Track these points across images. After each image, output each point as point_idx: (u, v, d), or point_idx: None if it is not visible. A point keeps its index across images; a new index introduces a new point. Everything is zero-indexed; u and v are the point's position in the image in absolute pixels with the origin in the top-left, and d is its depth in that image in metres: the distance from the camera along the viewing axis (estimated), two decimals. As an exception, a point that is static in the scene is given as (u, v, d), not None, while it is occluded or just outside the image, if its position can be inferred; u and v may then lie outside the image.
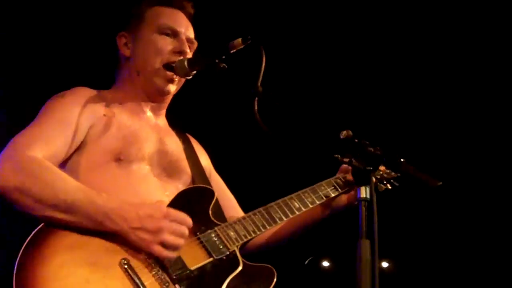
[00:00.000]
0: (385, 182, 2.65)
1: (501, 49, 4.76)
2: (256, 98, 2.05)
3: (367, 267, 1.67)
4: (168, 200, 2.14)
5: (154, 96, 2.40)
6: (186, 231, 1.97)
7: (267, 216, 2.28)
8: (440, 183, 1.71)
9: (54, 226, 1.89)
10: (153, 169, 2.23)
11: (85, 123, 2.16)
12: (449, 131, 5.43)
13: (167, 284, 1.91)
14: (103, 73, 2.49)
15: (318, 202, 2.45)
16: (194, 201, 2.17)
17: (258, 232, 2.24)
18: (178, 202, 2.12)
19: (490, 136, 5.39)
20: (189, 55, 2.39)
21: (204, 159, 2.55)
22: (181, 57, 2.33)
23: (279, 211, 2.32)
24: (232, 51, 2.14)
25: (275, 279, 2.14)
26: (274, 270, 2.16)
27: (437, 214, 5.98)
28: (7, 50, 3.99)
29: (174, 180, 2.30)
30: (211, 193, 2.23)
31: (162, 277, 1.92)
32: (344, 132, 1.93)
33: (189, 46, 2.41)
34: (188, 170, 2.38)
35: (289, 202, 2.38)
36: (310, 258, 7.45)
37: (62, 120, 2.12)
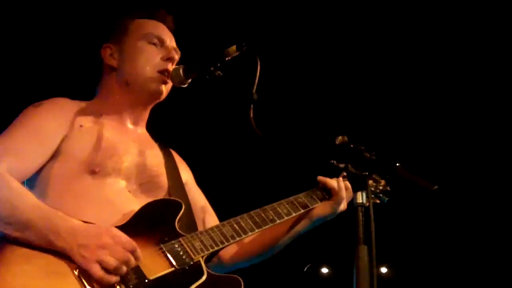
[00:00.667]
0: (373, 196, 2.57)
1: (497, 54, 4.77)
2: (252, 105, 2.05)
3: (365, 273, 1.66)
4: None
5: (144, 102, 2.37)
6: (131, 258, 1.87)
7: (236, 227, 2.21)
8: (436, 187, 1.71)
9: (8, 241, 1.87)
10: (128, 184, 2.20)
11: (57, 133, 2.13)
12: (444, 136, 5.44)
13: None
14: (84, 85, 2.47)
15: (294, 214, 2.37)
16: (160, 213, 2.12)
17: (226, 243, 2.16)
18: (143, 214, 2.08)
19: (486, 141, 5.39)
20: (176, 62, 2.38)
21: (185, 173, 2.51)
22: (170, 64, 2.33)
23: (250, 222, 2.24)
24: (227, 59, 2.14)
25: None
26: (241, 280, 2.07)
27: (434, 219, 5.98)
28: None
29: (149, 197, 2.24)
30: (179, 204, 2.18)
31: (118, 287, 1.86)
32: (340, 137, 1.92)
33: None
34: (166, 186, 2.33)
35: (262, 213, 2.30)
36: (309, 265, 7.45)
37: (33, 131, 2.09)
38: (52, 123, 2.14)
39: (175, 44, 2.44)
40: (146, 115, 2.43)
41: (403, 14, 4.57)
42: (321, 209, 2.46)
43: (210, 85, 2.18)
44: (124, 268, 1.86)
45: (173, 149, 2.54)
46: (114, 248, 1.85)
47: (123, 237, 1.90)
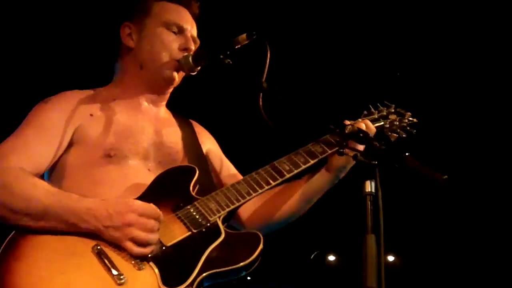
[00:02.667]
0: (398, 130, 2.52)
1: (501, 42, 4.75)
2: (261, 94, 2.05)
3: (373, 262, 1.67)
4: None
5: (158, 86, 2.38)
6: (156, 225, 1.92)
7: (252, 182, 2.17)
8: (446, 177, 1.71)
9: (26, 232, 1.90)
10: (147, 163, 2.23)
11: (69, 126, 2.16)
12: (453, 125, 5.42)
13: (140, 264, 1.89)
14: (100, 71, 2.47)
15: (312, 161, 2.25)
16: (173, 180, 2.15)
17: (242, 200, 2.13)
18: (156, 184, 2.12)
19: (493, 131, 5.38)
20: (192, 52, 2.37)
21: (208, 142, 2.51)
22: (186, 53, 2.32)
23: (266, 176, 2.19)
24: (236, 47, 2.14)
25: (261, 244, 2.00)
26: (261, 236, 2.02)
27: (443, 208, 5.98)
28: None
29: None
30: (192, 170, 2.19)
31: (136, 256, 1.90)
32: (349, 126, 1.93)
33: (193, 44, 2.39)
34: (185, 162, 2.34)
35: (278, 166, 2.23)
36: (316, 253, 7.47)
37: (44, 127, 2.12)
38: (62, 119, 2.16)
39: (195, 32, 2.42)
40: (163, 97, 2.43)
41: (412, 4, 4.54)
42: (341, 159, 2.26)
43: (219, 73, 2.18)
44: (155, 236, 1.91)
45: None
46: (140, 221, 1.90)
47: (144, 207, 1.93)
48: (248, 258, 1.97)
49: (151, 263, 1.90)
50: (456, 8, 4.54)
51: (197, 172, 2.19)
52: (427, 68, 5.08)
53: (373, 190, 1.74)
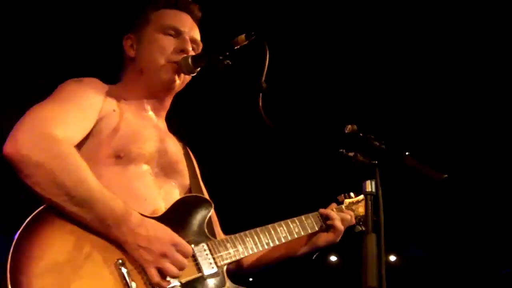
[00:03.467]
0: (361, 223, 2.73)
1: (502, 41, 4.75)
2: (261, 94, 2.05)
3: (374, 261, 1.67)
4: (161, 198, 2.17)
5: (158, 92, 2.39)
6: (186, 265, 1.98)
7: (256, 240, 2.34)
8: (446, 176, 1.71)
9: (59, 212, 1.88)
10: (151, 168, 2.23)
11: (97, 108, 2.15)
12: (452, 125, 5.42)
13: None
14: (108, 74, 2.49)
15: (303, 233, 2.55)
16: (192, 210, 2.18)
17: (246, 254, 2.28)
18: (177, 208, 2.14)
19: (492, 131, 5.38)
20: (192, 53, 2.37)
21: (197, 169, 2.56)
22: (184, 55, 2.32)
23: (267, 237, 2.38)
24: (236, 48, 2.14)
25: None
26: None
27: (443, 208, 5.98)
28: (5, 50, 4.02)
29: (170, 179, 2.29)
30: (209, 205, 2.25)
31: (153, 285, 1.93)
32: (349, 126, 1.93)
33: (194, 47, 2.39)
34: (186, 173, 2.38)
35: (278, 229, 2.45)
36: (317, 253, 7.46)
37: (79, 106, 2.10)
38: (93, 98, 2.16)
39: (197, 35, 2.43)
40: (165, 104, 2.45)
41: (413, 4, 4.55)
42: (325, 237, 2.63)
43: (219, 74, 2.18)
44: (179, 273, 1.97)
45: (182, 138, 2.56)
46: (175, 256, 1.94)
47: (183, 244, 1.98)
48: None
49: None
50: (452, 9, 4.55)
51: (212, 208, 2.25)
52: (425, 68, 5.08)
53: (373, 190, 1.74)
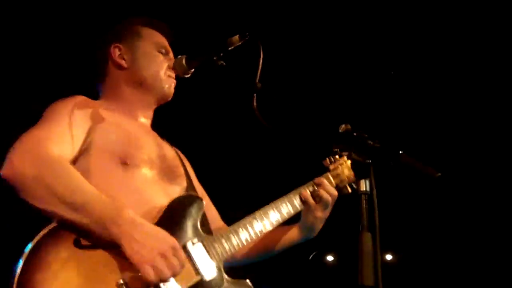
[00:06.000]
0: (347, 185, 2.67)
1: (498, 40, 4.76)
2: (255, 94, 2.06)
3: (370, 260, 1.67)
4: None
5: (155, 102, 2.46)
6: (179, 272, 1.95)
7: (249, 229, 2.32)
8: (439, 174, 1.71)
9: (60, 224, 1.90)
10: (154, 174, 2.24)
11: (87, 128, 2.18)
12: (448, 124, 5.43)
13: None
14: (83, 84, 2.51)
15: (293, 212, 2.49)
16: (185, 210, 2.17)
17: (240, 246, 2.27)
18: (171, 210, 2.13)
19: (488, 128, 5.39)
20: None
21: (191, 170, 2.59)
22: (174, 73, 2.41)
23: (260, 223, 2.36)
24: (230, 48, 2.15)
25: None
26: (251, 285, 2.23)
27: (439, 205, 5.99)
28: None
29: (174, 185, 2.30)
30: (200, 201, 2.23)
31: None
32: (343, 125, 1.93)
33: None
34: (184, 175, 2.40)
35: (269, 213, 2.42)
36: (314, 253, 7.48)
37: (70, 124, 2.13)
38: (83, 113, 2.19)
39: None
40: (152, 114, 2.49)
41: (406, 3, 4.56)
42: (313, 214, 2.54)
43: (213, 74, 2.19)
44: (172, 279, 1.94)
45: (177, 139, 2.58)
46: (172, 260, 1.91)
47: (180, 251, 1.96)
48: None
49: None
50: (449, 9, 4.56)
51: (204, 204, 2.24)
52: (419, 66, 5.09)
53: (368, 189, 1.75)
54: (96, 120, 2.21)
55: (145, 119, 2.44)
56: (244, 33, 2.13)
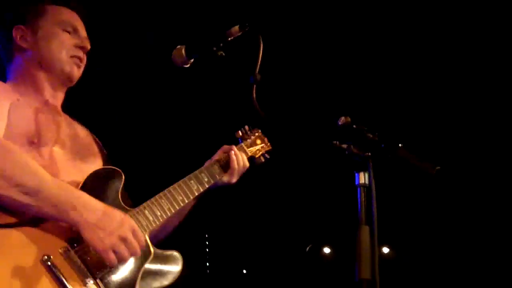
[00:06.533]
0: (261, 156, 2.82)
1: (497, 39, 4.76)
2: (254, 86, 2.05)
3: (367, 253, 1.67)
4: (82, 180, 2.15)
5: (59, 83, 2.41)
6: (139, 253, 2.00)
7: (171, 199, 2.32)
8: (438, 168, 1.71)
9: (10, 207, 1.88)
10: (65, 153, 2.24)
11: (5, 109, 2.17)
12: (445, 117, 5.43)
13: (87, 279, 1.94)
14: None
15: (212, 182, 2.52)
16: (105, 183, 2.17)
17: (164, 216, 2.27)
18: (90, 183, 2.12)
19: (487, 123, 5.39)
20: (87, 51, 2.42)
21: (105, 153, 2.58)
22: (82, 52, 2.40)
23: (181, 193, 2.37)
24: (229, 39, 2.14)
25: (181, 263, 2.23)
26: (180, 256, 2.24)
27: (436, 200, 6.00)
28: None
29: (88, 163, 2.30)
30: (120, 175, 2.23)
31: (83, 271, 1.94)
32: (343, 118, 1.92)
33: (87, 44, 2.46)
34: (99, 154, 2.41)
35: (188, 183, 2.42)
36: (310, 246, 7.49)
37: None
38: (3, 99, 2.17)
39: (86, 34, 2.49)
40: (62, 95, 2.46)
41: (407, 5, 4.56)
42: (224, 176, 2.60)
43: (212, 65, 2.18)
44: (129, 259, 2.00)
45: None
46: (132, 242, 1.96)
47: (140, 232, 2.01)
48: (176, 275, 2.20)
49: (98, 281, 1.96)
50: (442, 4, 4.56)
51: (123, 177, 2.23)
52: (419, 60, 5.08)
53: (366, 182, 1.74)
54: (14, 99, 2.20)
55: (54, 100, 2.39)
56: (244, 24, 2.11)
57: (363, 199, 1.74)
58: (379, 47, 4.97)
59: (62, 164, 2.19)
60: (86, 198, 1.96)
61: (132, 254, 1.97)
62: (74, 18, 2.46)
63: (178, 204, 2.33)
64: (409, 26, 4.81)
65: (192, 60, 2.31)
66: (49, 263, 1.87)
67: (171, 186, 2.36)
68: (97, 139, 2.53)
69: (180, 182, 2.40)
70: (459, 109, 5.36)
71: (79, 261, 1.95)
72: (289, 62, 4.73)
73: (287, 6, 4.57)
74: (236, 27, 2.11)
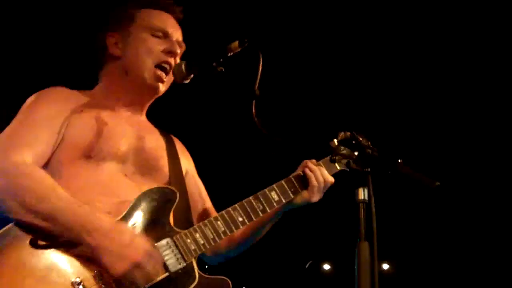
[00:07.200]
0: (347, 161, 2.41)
1: (498, 47, 4.77)
2: (254, 101, 2.05)
3: (367, 269, 1.66)
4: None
5: (143, 94, 2.37)
6: (156, 280, 1.94)
7: (229, 221, 2.17)
8: (438, 183, 1.70)
9: (18, 225, 1.88)
10: (124, 167, 2.18)
11: (63, 121, 2.13)
12: (446, 133, 5.43)
13: None
14: (84, 73, 2.47)
15: (284, 201, 2.30)
16: (156, 204, 2.10)
17: (218, 240, 2.15)
18: (138, 205, 2.07)
19: (487, 138, 5.39)
20: (179, 56, 2.37)
21: (186, 162, 2.49)
22: (171, 57, 2.32)
23: (242, 214, 2.20)
24: (229, 54, 2.14)
25: None
26: (230, 282, 2.12)
27: (436, 215, 5.98)
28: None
29: (148, 179, 2.23)
30: (173, 194, 2.15)
31: None
32: (342, 133, 1.93)
33: (180, 49, 2.39)
34: (166, 169, 2.32)
35: (253, 203, 2.24)
36: (310, 262, 7.46)
37: (44, 121, 2.10)
38: (55, 109, 2.14)
39: (181, 37, 2.42)
40: (146, 104, 2.42)
41: (404, 10, 4.56)
42: (301, 195, 2.35)
43: (212, 81, 2.18)
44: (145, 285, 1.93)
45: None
46: (147, 269, 1.92)
47: (157, 257, 1.96)
48: None
49: None
50: (444, 12, 4.57)
51: (178, 197, 2.15)
52: (419, 75, 5.10)
53: (366, 198, 1.74)
54: (73, 112, 2.17)
55: (132, 110, 2.36)
56: (243, 39, 2.11)
57: (363, 215, 1.73)
58: (378, 63, 4.98)
59: (117, 179, 2.14)
60: (102, 222, 1.91)
61: (146, 280, 1.91)
62: (165, 21, 2.37)
63: (237, 226, 2.18)
64: (407, 41, 4.82)
65: (191, 76, 2.31)
66: (80, 286, 1.85)
67: (236, 205, 2.22)
68: (176, 148, 2.43)
69: (244, 202, 2.24)
70: (459, 124, 5.36)
71: (114, 285, 1.90)
72: (289, 78, 4.74)
73: (287, 22, 4.59)
74: (236, 43, 2.11)
